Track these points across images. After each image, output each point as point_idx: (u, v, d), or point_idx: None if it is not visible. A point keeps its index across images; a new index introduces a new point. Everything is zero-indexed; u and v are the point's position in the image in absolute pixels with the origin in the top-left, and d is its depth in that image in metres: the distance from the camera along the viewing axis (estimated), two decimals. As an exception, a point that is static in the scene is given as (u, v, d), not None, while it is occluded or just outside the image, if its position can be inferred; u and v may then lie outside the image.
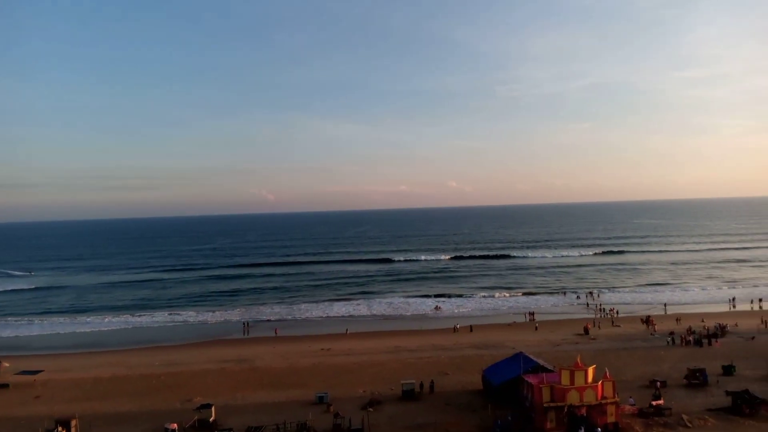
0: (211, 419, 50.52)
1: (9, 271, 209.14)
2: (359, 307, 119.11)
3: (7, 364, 75.44)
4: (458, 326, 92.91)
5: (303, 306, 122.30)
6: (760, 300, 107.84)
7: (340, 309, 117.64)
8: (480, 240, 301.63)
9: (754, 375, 59.50)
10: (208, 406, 52.12)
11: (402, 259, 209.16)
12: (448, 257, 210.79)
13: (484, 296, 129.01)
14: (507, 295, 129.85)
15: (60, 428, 48.17)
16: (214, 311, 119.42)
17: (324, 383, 61.87)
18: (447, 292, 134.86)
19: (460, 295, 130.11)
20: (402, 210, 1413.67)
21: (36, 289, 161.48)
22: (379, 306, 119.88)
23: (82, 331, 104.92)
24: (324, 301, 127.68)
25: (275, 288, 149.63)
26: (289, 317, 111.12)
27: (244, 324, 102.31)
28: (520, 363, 53.94)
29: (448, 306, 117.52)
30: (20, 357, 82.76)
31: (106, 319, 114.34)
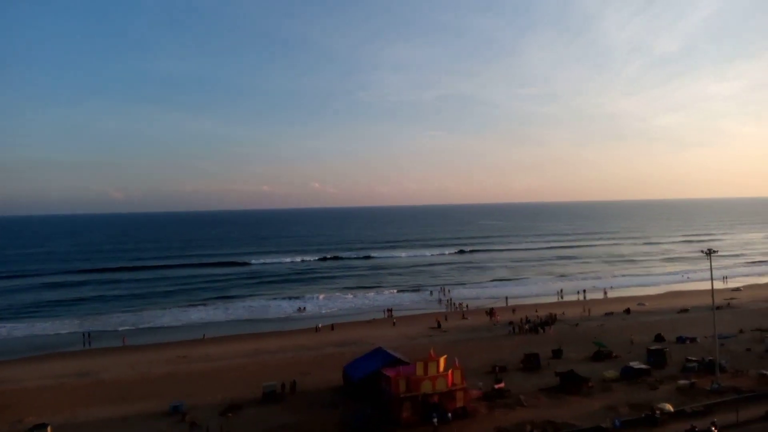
0: (47, 440, 45.71)
1: None
2: (217, 312, 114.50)
3: None
4: (320, 326, 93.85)
5: (155, 312, 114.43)
6: (584, 291, 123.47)
7: (195, 314, 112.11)
8: (343, 241, 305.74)
9: (578, 357, 68.27)
10: (43, 426, 47.08)
11: (263, 261, 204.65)
12: (311, 258, 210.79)
13: (346, 295, 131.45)
14: (368, 293, 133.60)
15: None
16: (49, 322, 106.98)
17: (180, 392, 58.90)
18: (310, 293, 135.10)
19: (323, 296, 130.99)
20: (264, 210, 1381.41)
21: None
22: (239, 310, 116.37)
23: None
24: (178, 306, 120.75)
25: (122, 295, 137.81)
26: (139, 326, 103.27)
27: (83, 334, 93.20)
28: (379, 357, 56.28)
29: (312, 307, 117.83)
30: None
31: None
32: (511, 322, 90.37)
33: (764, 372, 56.73)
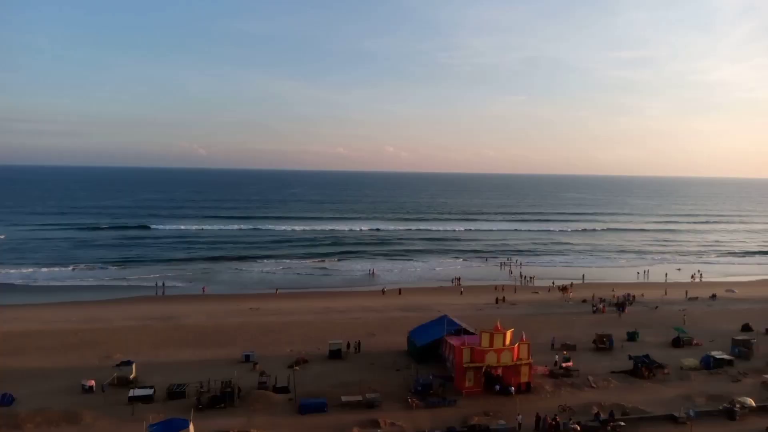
0: (131, 376, 49.45)
1: None
2: (289, 270, 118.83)
3: None
4: (386, 289, 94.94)
5: (229, 265, 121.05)
6: (666, 274, 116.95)
7: (266, 270, 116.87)
8: (416, 207, 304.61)
9: (655, 341, 64.85)
10: (129, 363, 50.89)
11: (337, 225, 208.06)
12: (383, 224, 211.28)
13: (415, 261, 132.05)
14: (438, 261, 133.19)
15: (-35, 384, 45.78)
16: (133, 269, 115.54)
17: (251, 342, 61.83)
18: (380, 257, 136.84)
19: (393, 261, 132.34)
20: (338, 172, 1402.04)
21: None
22: (309, 268, 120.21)
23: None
24: (251, 261, 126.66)
25: (200, 248, 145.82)
26: (214, 277, 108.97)
27: (156, 283, 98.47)
28: (444, 325, 56.12)
29: (383, 270, 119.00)
30: None
31: (12, 272, 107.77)
32: (584, 300, 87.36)
33: None
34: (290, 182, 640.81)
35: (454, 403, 45.02)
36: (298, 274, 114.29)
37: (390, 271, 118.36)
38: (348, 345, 59.55)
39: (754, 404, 44.23)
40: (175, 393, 45.66)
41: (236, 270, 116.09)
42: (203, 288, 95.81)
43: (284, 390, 47.18)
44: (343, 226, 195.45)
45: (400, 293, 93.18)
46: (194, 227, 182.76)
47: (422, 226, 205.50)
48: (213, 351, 59.17)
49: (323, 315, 76.67)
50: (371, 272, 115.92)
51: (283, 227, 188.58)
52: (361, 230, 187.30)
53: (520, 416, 40.26)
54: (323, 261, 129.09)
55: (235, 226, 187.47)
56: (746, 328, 70.42)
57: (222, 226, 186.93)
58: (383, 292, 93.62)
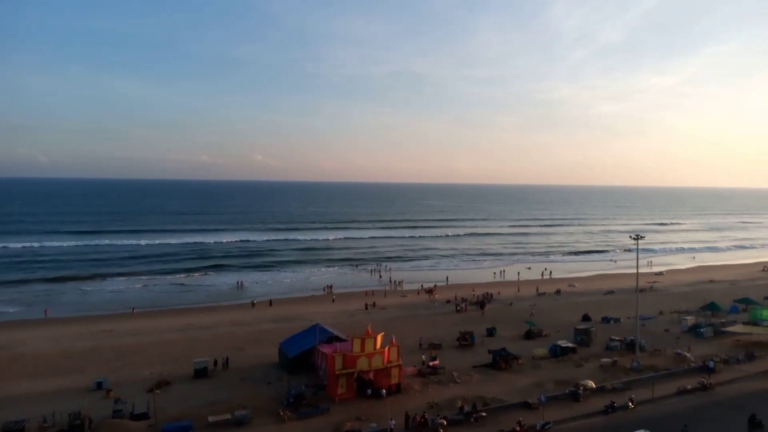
0: (-47, 418, 42.60)
1: None
2: (148, 286, 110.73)
3: None
4: (256, 301, 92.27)
5: (79, 284, 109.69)
6: (519, 273, 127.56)
7: (124, 287, 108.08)
8: (284, 217, 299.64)
9: (511, 335, 70.39)
10: (-50, 403, 43.84)
11: (201, 237, 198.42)
12: (250, 234, 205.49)
13: (286, 272, 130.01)
14: (308, 270, 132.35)
15: None
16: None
17: (104, 367, 56.52)
18: (248, 268, 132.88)
19: (262, 272, 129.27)
20: (202, 181, 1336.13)
21: None
22: (171, 284, 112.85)
23: None
24: (106, 279, 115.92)
25: (43, 266, 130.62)
26: (62, 298, 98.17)
27: None
28: (316, 334, 55.83)
29: (252, 282, 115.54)
30: None
31: None
32: (448, 301, 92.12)
33: (679, 351, 60.41)
34: (147, 192, 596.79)
35: (327, 411, 44.87)
36: (157, 291, 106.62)
37: (260, 283, 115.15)
38: (215, 362, 56.78)
39: (594, 386, 49.63)
40: (12, 431, 40.16)
41: (85, 290, 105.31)
42: (45, 311, 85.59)
43: (143, 416, 43.62)
44: (209, 239, 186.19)
45: (270, 304, 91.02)
46: (32, 244, 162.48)
47: (293, 236, 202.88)
48: (59, 380, 53.06)
49: (187, 332, 72.33)
50: (239, 285, 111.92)
51: (138, 241, 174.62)
52: (228, 242, 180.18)
53: (393, 421, 41.05)
54: (186, 276, 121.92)
55: (83, 242, 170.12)
56: (586, 318, 79.14)
57: (67, 243, 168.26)
58: (252, 304, 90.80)
